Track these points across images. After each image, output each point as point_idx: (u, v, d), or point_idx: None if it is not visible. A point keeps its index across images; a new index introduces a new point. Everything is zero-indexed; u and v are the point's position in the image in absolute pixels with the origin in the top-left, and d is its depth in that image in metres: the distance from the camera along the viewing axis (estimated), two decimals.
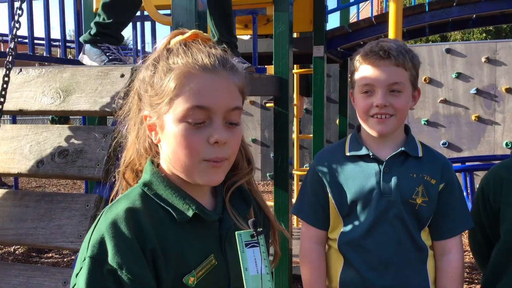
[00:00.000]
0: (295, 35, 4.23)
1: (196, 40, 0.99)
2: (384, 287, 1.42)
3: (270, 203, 5.20)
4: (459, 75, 8.11)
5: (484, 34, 14.10)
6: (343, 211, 1.48)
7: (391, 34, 2.52)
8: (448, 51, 8.18)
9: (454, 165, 4.15)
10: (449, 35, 14.39)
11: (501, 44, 7.97)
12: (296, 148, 6.09)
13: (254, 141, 9.29)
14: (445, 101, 8.23)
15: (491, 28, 14.20)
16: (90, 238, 0.88)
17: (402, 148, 1.46)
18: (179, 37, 0.99)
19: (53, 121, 8.26)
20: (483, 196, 1.59)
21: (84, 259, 0.86)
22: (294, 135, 6.08)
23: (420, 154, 1.48)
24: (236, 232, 0.97)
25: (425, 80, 8.27)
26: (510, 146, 7.93)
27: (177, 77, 0.91)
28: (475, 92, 8.00)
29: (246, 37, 4.23)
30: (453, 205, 1.49)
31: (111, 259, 0.84)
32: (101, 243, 0.86)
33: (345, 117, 4.67)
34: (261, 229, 0.98)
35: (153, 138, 0.99)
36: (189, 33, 1.00)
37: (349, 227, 1.47)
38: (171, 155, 0.94)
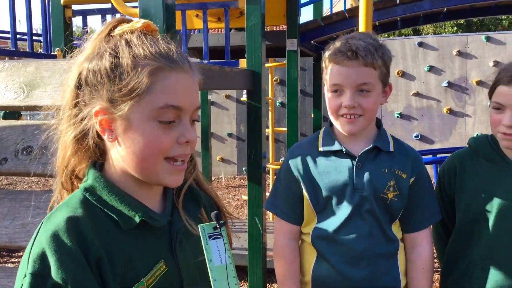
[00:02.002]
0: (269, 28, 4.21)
1: (146, 31, 0.93)
2: (356, 280, 1.43)
3: (245, 197, 5.20)
4: (431, 68, 8.23)
5: (455, 28, 14.36)
6: (317, 206, 1.48)
7: (362, 28, 2.52)
8: (421, 44, 8.29)
9: (426, 157, 4.23)
10: (422, 28, 14.59)
11: (471, 37, 8.12)
12: (271, 142, 6.10)
13: (230, 135, 9.26)
14: (417, 94, 8.35)
15: (462, 21, 14.46)
16: (30, 252, 0.82)
17: (374, 144, 1.47)
18: (127, 26, 0.92)
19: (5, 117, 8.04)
20: (439, 186, 1.64)
21: (25, 276, 0.79)
22: (269, 129, 6.08)
23: (392, 149, 1.49)
24: (199, 225, 0.98)
25: (398, 73, 8.37)
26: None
27: (148, 73, 0.87)
28: (446, 85, 8.14)
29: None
30: (423, 198, 1.51)
31: (55, 274, 0.78)
32: (43, 258, 0.80)
33: (320, 110, 4.69)
34: (222, 221, 0.99)
35: (105, 137, 0.90)
36: (141, 22, 0.93)
37: (322, 222, 1.47)
38: (132, 155, 0.89)
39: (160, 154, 0.89)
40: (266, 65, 6.18)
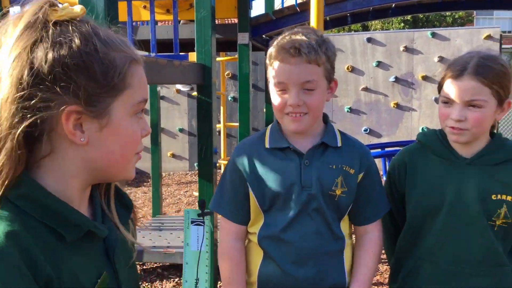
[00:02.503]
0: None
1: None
2: (302, 279, 1.40)
3: (196, 194, 5.13)
4: (379, 64, 8.41)
5: (402, 24, 14.78)
6: (263, 205, 1.44)
7: (314, 22, 2.50)
8: (369, 40, 8.45)
9: (374, 151, 4.30)
10: (370, 24, 14.93)
11: (418, 33, 8.36)
12: (223, 137, 6.03)
13: (181, 130, 9.11)
14: (366, 89, 8.52)
15: (409, 18, 14.91)
16: None
17: (321, 140, 1.44)
18: (67, 11, 0.80)
19: None
20: (389, 181, 1.64)
21: None
22: (221, 124, 6.02)
23: (339, 144, 1.46)
24: (184, 210, 1.00)
25: (347, 68, 8.51)
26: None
27: (127, 67, 0.83)
28: (394, 80, 8.34)
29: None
30: (372, 192, 1.51)
31: None
32: None
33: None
34: (208, 210, 0.97)
35: (76, 139, 0.80)
36: (80, 8, 0.83)
37: (269, 221, 1.44)
38: (110, 155, 0.84)
39: (136, 149, 0.89)
40: (217, 59, 6.12)
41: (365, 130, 8.60)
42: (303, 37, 1.34)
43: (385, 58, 8.42)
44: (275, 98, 1.39)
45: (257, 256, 1.46)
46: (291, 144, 1.43)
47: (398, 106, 8.40)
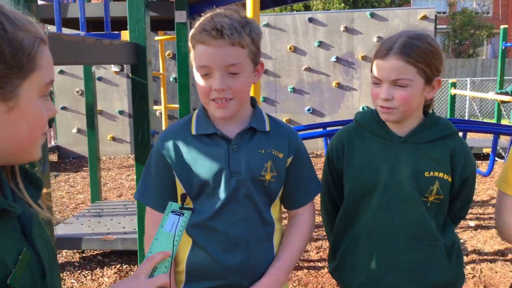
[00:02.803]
0: None
1: None
2: (232, 266, 1.38)
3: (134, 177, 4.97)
4: (320, 44, 8.49)
5: (343, 4, 14.97)
6: (191, 193, 1.38)
7: (250, 1, 2.42)
8: (311, 20, 8.49)
9: (316, 130, 4.34)
10: (312, 4, 15.01)
11: (357, 13, 8.49)
12: (164, 119, 5.89)
13: (121, 112, 8.83)
14: (308, 69, 8.60)
15: None
16: None
17: (249, 125, 1.40)
18: None
19: None
20: (328, 160, 1.64)
21: None
22: (162, 106, 5.86)
23: (268, 128, 1.43)
24: (169, 202, 1.10)
25: (290, 48, 8.53)
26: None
27: (37, 47, 0.82)
28: (335, 60, 8.46)
29: None
30: (303, 175, 1.49)
31: None
32: None
33: None
34: (190, 206, 1.09)
35: None
36: None
37: (198, 210, 1.38)
38: (16, 137, 0.83)
39: (43, 130, 0.88)
40: (156, 38, 5.92)
41: (308, 110, 8.70)
42: (226, 18, 1.27)
43: (326, 38, 8.50)
44: (200, 83, 1.33)
45: (185, 244, 1.41)
46: (218, 130, 1.38)
47: (339, 86, 8.55)
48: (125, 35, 2.43)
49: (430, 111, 1.57)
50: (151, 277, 1.01)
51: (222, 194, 1.36)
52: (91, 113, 4.55)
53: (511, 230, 1.50)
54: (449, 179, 1.48)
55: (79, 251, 4.04)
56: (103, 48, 1.98)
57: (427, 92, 1.46)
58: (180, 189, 1.39)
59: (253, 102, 1.47)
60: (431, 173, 1.47)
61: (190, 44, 1.34)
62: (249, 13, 2.31)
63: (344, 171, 1.57)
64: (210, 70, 1.30)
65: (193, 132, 1.40)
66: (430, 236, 1.49)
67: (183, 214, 1.08)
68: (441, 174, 1.47)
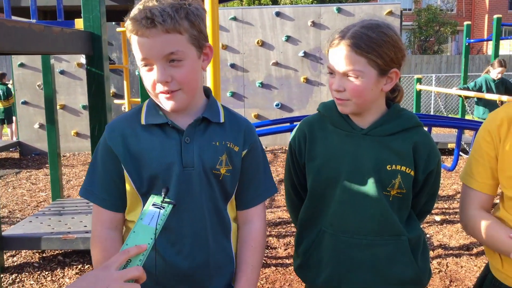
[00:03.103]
0: None
1: None
2: (187, 267, 1.29)
3: None
4: (288, 38, 8.45)
5: None
6: (141, 188, 1.29)
7: None
8: (278, 14, 8.43)
9: (284, 125, 4.29)
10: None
11: (324, 8, 8.48)
12: None
13: (85, 107, 8.59)
14: (277, 64, 8.55)
15: None
16: None
17: (203, 115, 1.32)
18: None
19: None
20: (290, 153, 1.58)
21: None
22: (126, 100, 5.71)
23: (222, 120, 1.36)
24: (152, 194, 1.12)
25: (258, 43, 8.46)
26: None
27: None
28: (303, 55, 8.44)
29: None
30: (256, 173, 1.42)
31: None
32: None
33: None
34: (172, 200, 1.10)
35: None
36: None
37: None
38: None
39: None
40: (118, 29, 5.74)
41: (277, 105, 8.65)
42: (157, 4, 1.17)
43: (294, 32, 8.47)
44: (144, 77, 1.23)
45: None
46: (170, 120, 1.28)
47: (307, 81, 8.53)
48: (79, 24, 2.30)
49: (399, 103, 1.52)
50: (123, 269, 0.98)
51: (174, 188, 1.26)
52: (50, 107, 4.36)
53: (475, 224, 1.48)
54: (412, 173, 1.43)
55: (39, 251, 3.88)
56: (53, 36, 1.85)
57: (384, 84, 1.40)
58: (129, 184, 1.29)
59: (207, 92, 1.39)
60: (393, 167, 1.42)
61: (127, 36, 1.23)
62: (207, 5, 2.22)
63: (306, 164, 1.51)
64: (150, 62, 1.20)
65: (143, 122, 1.30)
66: (393, 231, 1.45)
67: (163, 208, 1.06)
68: (403, 168, 1.42)
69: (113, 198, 1.31)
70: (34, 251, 3.89)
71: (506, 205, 1.45)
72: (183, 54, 1.20)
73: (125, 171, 1.28)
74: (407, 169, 1.42)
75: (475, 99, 6.61)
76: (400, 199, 1.44)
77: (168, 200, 1.08)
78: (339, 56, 1.36)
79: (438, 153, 1.50)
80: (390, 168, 1.41)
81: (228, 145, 1.33)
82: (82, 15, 2.21)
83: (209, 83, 2.21)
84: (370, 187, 1.42)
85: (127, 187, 1.30)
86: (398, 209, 1.45)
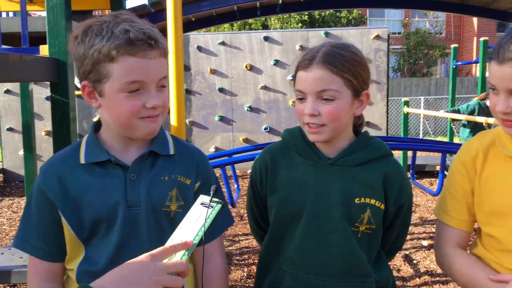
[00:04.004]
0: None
1: None
2: None
3: None
4: (277, 62, 8.45)
5: (300, 24, 15.11)
6: (82, 234, 1.18)
7: (171, 22, 2.21)
8: (266, 38, 8.45)
9: (249, 153, 4.20)
10: (270, 24, 15.08)
11: (312, 33, 8.51)
12: None
13: None
14: (265, 88, 8.52)
15: (306, 18, 15.29)
16: None
17: (150, 148, 1.23)
18: None
19: None
20: (251, 183, 1.47)
21: None
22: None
23: (172, 152, 1.27)
24: (201, 194, 1.10)
25: (246, 67, 8.45)
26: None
27: None
28: (291, 78, 8.41)
29: None
30: None
31: None
32: None
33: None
34: (221, 200, 1.07)
35: None
36: None
37: (91, 253, 1.19)
38: None
39: None
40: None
41: (265, 128, 8.59)
42: (144, 26, 1.15)
43: (282, 57, 8.47)
44: (126, 101, 1.15)
45: None
46: (113, 156, 1.19)
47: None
48: (44, 50, 2.22)
49: (362, 131, 1.42)
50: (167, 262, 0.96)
51: (119, 232, 1.16)
52: (28, 134, 4.26)
53: (451, 264, 1.37)
54: (382, 207, 1.32)
55: (10, 284, 3.72)
56: (10, 63, 1.76)
57: (356, 107, 1.32)
58: (68, 231, 1.17)
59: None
60: (362, 200, 1.30)
61: (103, 56, 1.13)
62: (170, 30, 2.14)
63: (268, 196, 1.40)
64: (143, 85, 1.14)
65: (82, 161, 1.20)
66: (360, 272, 1.32)
67: (212, 207, 1.06)
68: (372, 201, 1.31)
69: (51, 247, 1.19)
70: (5, 285, 3.73)
71: (484, 242, 1.35)
72: (165, 81, 1.20)
73: (62, 217, 1.17)
74: (377, 202, 1.31)
75: (463, 121, 6.57)
76: (370, 235, 1.32)
77: (216, 200, 1.07)
78: (312, 76, 1.25)
79: (409, 184, 1.39)
80: (358, 202, 1.30)
81: (179, 179, 1.24)
82: (47, 41, 2.13)
83: (172, 109, 2.13)
84: (336, 223, 1.29)
85: (66, 234, 1.19)
86: (367, 247, 1.33)
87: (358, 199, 1.30)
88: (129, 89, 1.13)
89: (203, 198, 1.08)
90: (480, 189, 1.33)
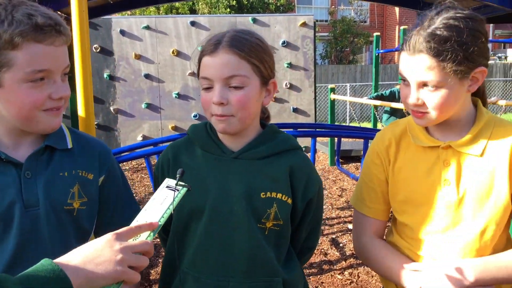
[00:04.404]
0: None
1: None
2: None
3: None
4: None
5: (228, 9, 14.97)
6: None
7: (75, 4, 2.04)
8: (193, 23, 8.26)
9: (149, 148, 4.11)
10: (198, 9, 14.82)
11: (240, 18, 8.44)
12: None
13: None
14: (193, 74, 8.34)
15: (234, 3, 15.17)
16: None
17: (45, 143, 1.14)
18: None
19: None
20: (154, 181, 1.38)
21: None
22: None
23: (70, 145, 1.19)
24: (166, 178, 1.08)
25: (173, 52, 8.22)
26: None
27: None
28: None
29: None
30: (118, 199, 1.27)
31: None
32: None
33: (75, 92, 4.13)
34: (187, 184, 1.05)
35: None
36: None
37: None
38: None
39: None
40: None
41: (195, 116, 8.44)
42: (47, 11, 1.10)
43: None
44: (28, 92, 1.07)
45: None
46: (3, 153, 1.08)
47: None
48: None
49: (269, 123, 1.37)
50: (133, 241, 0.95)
51: (16, 236, 1.06)
52: None
53: (369, 253, 1.37)
54: (289, 201, 1.26)
55: None
56: None
57: (264, 96, 1.27)
58: None
59: None
60: (268, 194, 1.24)
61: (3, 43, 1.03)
62: (74, 15, 1.97)
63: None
64: (49, 75, 1.08)
65: None
66: (267, 271, 1.24)
67: (178, 190, 1.05)
68: (279, 195, 1.24)
69: None
70: None
71: (399, 230, 1.37)
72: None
73: None
74: (284, 196, 1.25)
75: (385, 107, 6.83)
76: (277, 232, 1.25)
77: (182, 183, 1.05)
78: (219, 61, 1.18)
79: (318, 179, 1.34)
80: (264, 196, 1.23)
81: (80, 174, 1.16)
82: None
83: (79, 99, 1.98)
84: (241, 219, 1.22)
85: None
86: (275, 245, 1.26)
87: (263, 193, 1.23)
88: (33, 78, 1.04)
89: (168, 182, 1.07)
90: (393, 178, 1.34)
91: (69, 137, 1.19)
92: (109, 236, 0.92)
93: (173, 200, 1.02)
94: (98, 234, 1.21)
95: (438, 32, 1.15)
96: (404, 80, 1.23)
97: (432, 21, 1.17)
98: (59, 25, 1.06)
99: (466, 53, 1.15)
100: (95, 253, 0.89)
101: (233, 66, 1.18)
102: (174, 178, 1.26)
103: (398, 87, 6.86)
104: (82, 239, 1.16)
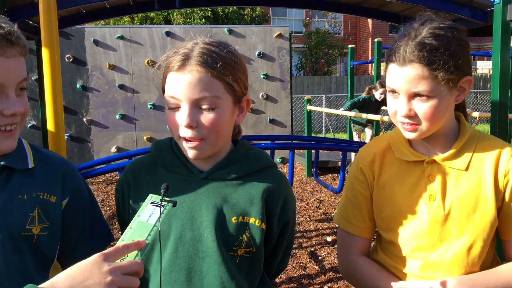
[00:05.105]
0: None
1: None
2: None
3: None
4: None
5: (204, 20, 14.94)
6: None
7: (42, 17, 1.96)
8: (168, 34, 8.18)
9: (120, 161, 4.02)
10: (173, 19, 14.74)
11: (215, 29, 8.41)
12: None
13: None
14: None
15: (209, 14, 15.15)
16: None
17: (2, 162, 1.04)
18: None
19: None
20: (117, 206, 1.26)
21: None
22: None
23: (31, 165, 1.10)
24: (150, 194, 1.01)
25: (148, 63, 8.12)
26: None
27: None
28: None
29: None
30: (84, 223, 1.18)
31: None
32: None
33: (44, 104, 4.00)
34: (172, 199, 1.00)
35: None
36: None
37: None
38: None
39: None
40: None
41: None
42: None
43: None
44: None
45: None
46: None
47: None
48: None
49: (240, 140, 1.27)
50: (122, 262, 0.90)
51: None
52: None
53: (355, 272, 1.32)
54: (263, 226, 1.15)
55: None
56: None
57: (237, 115, 1.17)
58: None
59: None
60: (240, 219, 1.14)
61: None
62: (42, 25, 1.89)
63: (131, 218, 1.22)
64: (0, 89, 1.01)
65: None
66: None
67: (163, 206, 0.99)
68: (252, 220, 1.14)
69: None
70: None
71: (384, 248, 1.33)
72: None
73: None
74: (257, 221, 1.14)
75: (355, 109, 7.16)
76: (250, 260, 1.15)
77: (167, 198, 1.00)
78: (188, 80, 1.06)
79: (293, 199, 1.25)
80: (236, 221, 1.13)
81: (41, 197, 1.07)
82: None
83: (48, 112, 1.89)
84: (210, 247, 1.11)
85: None
86: (247, 273, 1.16)
87: (235, 218, 1.13)
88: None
89: (152, 197, 1.02)
90: (378, 194, 1.30)
91: (31, 155, 1.10)
92: (96, 257, 0.87)
93: (159, 217, 0.97)
94: (63, 261, 1.13)
95: (427, 41, 1.12)
96: (393, 92, 1.19)
97: (419, 31, 1.15)
98: (11, 34, 0.98)
99: (455, 61, 1.13)
100: (83, 276, 0.83)
101: (204, 86, 1.07)
102: (136, 203, 1.18)
103: (366, 95, 7.30)
104: (44, 267, 1.08)
